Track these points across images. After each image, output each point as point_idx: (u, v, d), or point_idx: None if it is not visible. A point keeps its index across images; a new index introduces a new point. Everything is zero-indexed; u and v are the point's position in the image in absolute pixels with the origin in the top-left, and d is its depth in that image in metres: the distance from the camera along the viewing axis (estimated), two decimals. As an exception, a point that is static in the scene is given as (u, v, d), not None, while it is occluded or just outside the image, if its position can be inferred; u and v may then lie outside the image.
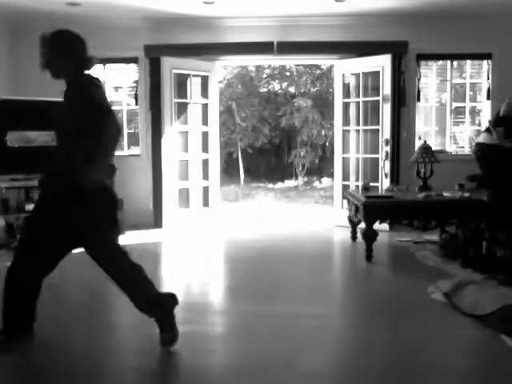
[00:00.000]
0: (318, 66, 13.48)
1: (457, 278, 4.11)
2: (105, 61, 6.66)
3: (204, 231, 6.62)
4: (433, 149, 5.87)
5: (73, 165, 2.73)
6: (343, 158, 6.86)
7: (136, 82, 7.01)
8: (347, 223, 5.99)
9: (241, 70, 13.48)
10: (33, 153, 5.76)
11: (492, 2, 6.01)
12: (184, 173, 6.82)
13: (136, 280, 2.93)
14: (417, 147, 6.17)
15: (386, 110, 6.40)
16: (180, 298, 3.06)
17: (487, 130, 5.28)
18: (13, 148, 5.74)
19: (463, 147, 7.16)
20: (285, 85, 14.01)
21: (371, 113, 6.65)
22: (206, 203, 7.00)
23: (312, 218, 8.15)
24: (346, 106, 6.84)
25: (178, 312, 2.99)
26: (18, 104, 5.80)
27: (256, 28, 6.69)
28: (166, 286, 4.37)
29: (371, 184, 6.10)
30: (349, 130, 6.81)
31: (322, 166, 13.88)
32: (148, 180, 6.70)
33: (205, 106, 6.93)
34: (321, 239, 6.16)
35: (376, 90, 6.54)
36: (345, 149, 6.84)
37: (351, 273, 4.81)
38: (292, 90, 13.85)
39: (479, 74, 6.97)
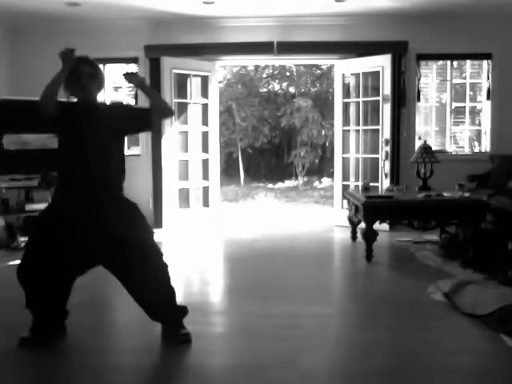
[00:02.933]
0: (318, 66, 13.47)
1: (457, 278, 4.11)
2: (105, 61, 6.65)
3: (204, 231, 6.62)
4: (433, 149, 5.87)
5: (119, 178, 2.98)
6: (343, 157, 6.86)
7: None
8: (347, 223, 5.98)
9: (240, 69, 13.48)
10: (33, 153, 5.77)
11: (492, 2, 6.01)
12: (184, 173, 6.82)
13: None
14: (417, 147, 6.18)
15: (386, 110, 6.40)
16: (180, 297, 3.06)
17: None
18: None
19: (463, 147, 7.17)
20: (285, 85, 14.01)
21: (371, 113, 6.65)
22: (206, 203, 7.00)
23: (312, 217, 8.15)
24: (346, 105, 6.84)
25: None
26: (17, 104, 5.79)
27: (256, 28, 6.69)
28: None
29: (371, 184, 6.10)
30: (349, 130, 6.81)
31: (322, 166, 13.88)
32: (148, 180, 6.70)
33: (205, 106, 6.93)
34: (321, 239, 6.16)
35: (376, 90, 6.54)
36: (345, 149, 6.84)
37: (351, 273, 4.80)
38: (292, 90, 13.85)
39: (479, 74, 6.97)
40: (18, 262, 4.70)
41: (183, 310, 3.05)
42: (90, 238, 2.84)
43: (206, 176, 6.98)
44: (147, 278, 2.91)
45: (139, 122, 3.12)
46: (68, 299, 3.02)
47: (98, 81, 2.97)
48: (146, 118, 3.10)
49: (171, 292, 3.00)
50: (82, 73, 2.90)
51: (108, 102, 3.14)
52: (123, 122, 2.98)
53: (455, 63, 7.01)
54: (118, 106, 3.19)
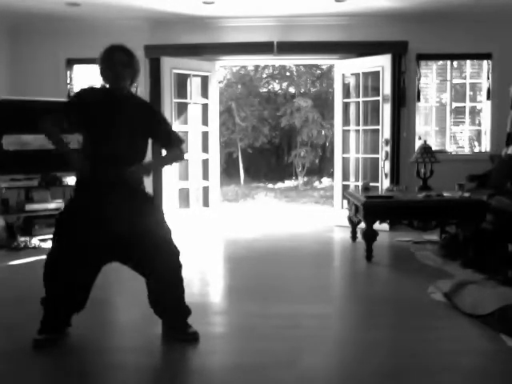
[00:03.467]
0: (318, 66, 13.47)
1: (457, 278, 4.11)
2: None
3: (204, 231, 6.62)
4: (433, 149, 5.87)
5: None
6: (343, 157, 6.86)
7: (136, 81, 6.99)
8: (347, 223, 5.98)
9: (240, 69, 13.48)
10: (32, 153, 5.77)
11: (492, 2, 6.01)
12: (184, 173, 6.82)
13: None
14: (417, 147, 6.18)
15: (385, 110, 6.40)
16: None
17: None
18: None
19: (463, 147, 7.17)
20: (285, 85, 14.01)
21: (371, 113, 6.65)
22: (205, 203, 7.00)
23: (312, 218, 8.15)
24: (346, 105, 6.84)
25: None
26: (17, 104, 5.80)
27: (256, 28, 6.69)
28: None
29: (371, 184, 6.10)
30: (349, 130, 6.81)
31: (322, 166, 13.89)
32: (148, 180, 6.68)
33: (205, 106, 6.93)
34: (321, 239, 6.16)
35: (376, 90, 6.54)
36: (345, 149, 6.84)
37: (351, 273, 4.80)
38: (292, 90, 13.85)
39: (479, 74, 6.97)
40: (18, 262, 4.69)
41: (188, 310, 3.09)
42: (104, 238, 2.85)
43: (206, 176, 6.98)
44: (157, 275, 2.94)
45: (158, 138, 3.09)
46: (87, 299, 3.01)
47: (131, 70, 2.93)
48: (167, 140, 3.09)
49: (181, 292, 3.04)
50: (115, 61, 2.89)
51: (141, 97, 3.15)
52: (147, 128, 2.97)
53: (455, 63, 7.01)
54: (149, 108, 3.14)
